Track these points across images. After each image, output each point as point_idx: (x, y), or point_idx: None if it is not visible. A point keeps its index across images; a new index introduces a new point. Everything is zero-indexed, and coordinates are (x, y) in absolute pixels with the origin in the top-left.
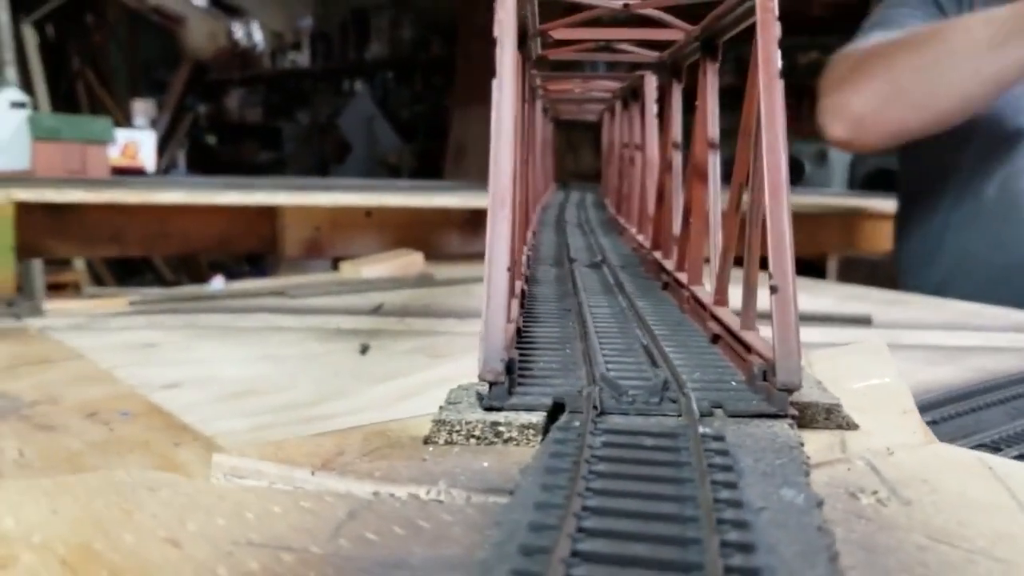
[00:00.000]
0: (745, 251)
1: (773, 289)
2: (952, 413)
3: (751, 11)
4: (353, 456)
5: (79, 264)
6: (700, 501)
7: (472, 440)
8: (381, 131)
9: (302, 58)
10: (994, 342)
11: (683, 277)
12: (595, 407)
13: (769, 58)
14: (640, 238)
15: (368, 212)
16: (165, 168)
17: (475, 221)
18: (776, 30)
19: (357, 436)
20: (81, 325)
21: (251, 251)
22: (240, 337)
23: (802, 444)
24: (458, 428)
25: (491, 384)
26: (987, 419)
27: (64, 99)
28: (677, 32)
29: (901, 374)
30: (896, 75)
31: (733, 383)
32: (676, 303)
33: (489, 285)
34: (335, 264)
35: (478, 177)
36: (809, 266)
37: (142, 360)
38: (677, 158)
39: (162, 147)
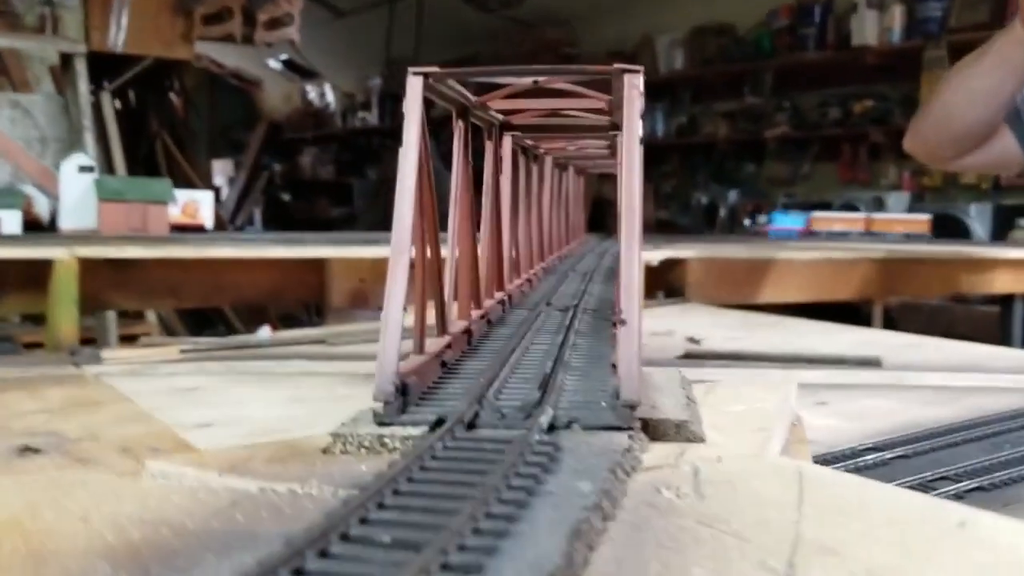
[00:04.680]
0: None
1: (622, 323)
2: (928, 448)
3: None
4: (259, 462)
5: (151, 316)
6: (485, 485)
7: (362, 450)
8: (446, 185)
9: (371, 117)
10: (997, 383)
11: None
12: (461, 421)
13: (632, 127)
14: None
15: (411, 263)
16: (241, 224)
17: None
18: (639, 104)
19: (271, 447)
20: (134, 372)
21: (300, 301)
22: (276, 381)
23: (629, 450)
24: (351, 440)
25: (384, 404)
26: (963, 454)
27: (144, 162)
28: (598, 101)
29: (787, 401)
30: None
31: (603, 403)
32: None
33: (386, 322)
34: None
35: None
36: (852, 311)
37: (182, 402)
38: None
39: (239, 204)
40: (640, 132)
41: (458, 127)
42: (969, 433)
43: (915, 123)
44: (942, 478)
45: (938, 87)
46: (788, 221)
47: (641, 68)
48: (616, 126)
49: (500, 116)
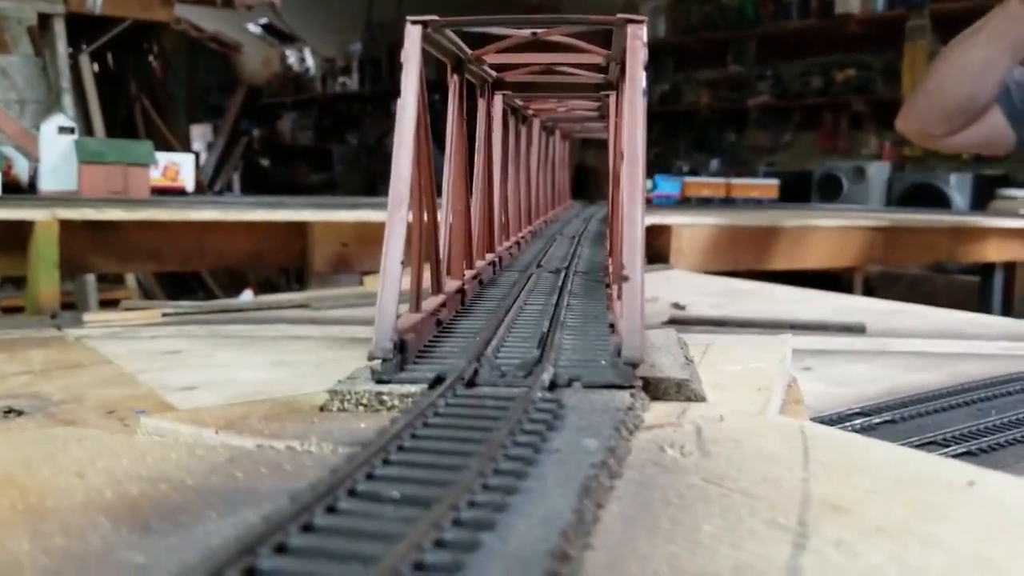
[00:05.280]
0: (616, 247)
1: (624, 279)
2: (914, 413)
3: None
4: (255, 420)
5: (131, 280)
6: (490, 442)
7: (360, 407)
8: (437, 165)
9: (352, 82)
10: (982, 349)
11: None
12: (461, 378)
13: (635, 78)
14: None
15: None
16: (220, 190)
17: None
18: (642, 54)
19: (266, 405)
20: (115, 334)
21: (282, 266)
22: (259, 345)
23: (631, 408)
24: (348, 397)
25: (383, 361)
26: (949, 419)
27: (122, 125)
28: (596, 56)
29: (784, 361)
30: (927, 77)
31: (602, 361)
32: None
33: (384, 276)
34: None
35: None
36: (831, 280)
37: (165, 365)
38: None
39: (218, 169)
40: (644, 84)
41: (453, 81)
42: (955, 399)
43: (909, 101)
44: (930, 442)
45: (934, 62)
46: (667, 187)
47: (645, 18)
48: (610, 84)
49: (493, 73)
